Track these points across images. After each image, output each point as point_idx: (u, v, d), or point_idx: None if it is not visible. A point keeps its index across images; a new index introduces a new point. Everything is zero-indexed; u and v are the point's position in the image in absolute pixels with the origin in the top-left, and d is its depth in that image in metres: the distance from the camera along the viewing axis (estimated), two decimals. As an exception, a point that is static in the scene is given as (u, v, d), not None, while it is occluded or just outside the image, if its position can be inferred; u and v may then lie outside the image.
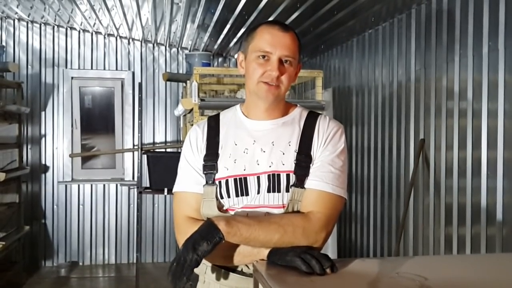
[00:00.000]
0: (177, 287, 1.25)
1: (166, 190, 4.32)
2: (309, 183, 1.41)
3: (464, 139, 2.83)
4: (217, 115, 1.60)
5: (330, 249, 3.95)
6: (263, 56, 1.44)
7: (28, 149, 5.46)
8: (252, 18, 3.93)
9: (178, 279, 1.24)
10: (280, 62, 1.43)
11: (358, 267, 1.27)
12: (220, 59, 5.99)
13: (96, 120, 5.83)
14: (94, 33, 5.61)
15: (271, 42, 1.43)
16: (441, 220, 3.06)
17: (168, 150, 5.57)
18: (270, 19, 3.80)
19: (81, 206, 5.63)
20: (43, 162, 5.53)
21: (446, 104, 3.02)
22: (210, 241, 1.26)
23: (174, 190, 1.53)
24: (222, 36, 4.87)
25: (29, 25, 5.46)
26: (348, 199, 4.33)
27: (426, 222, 3.24)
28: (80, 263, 5.64)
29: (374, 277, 1.17)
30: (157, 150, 5.51)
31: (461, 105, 2.88)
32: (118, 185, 5.67)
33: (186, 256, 1.25)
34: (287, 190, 1.42)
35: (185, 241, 1.29)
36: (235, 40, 4.94)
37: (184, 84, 5.02)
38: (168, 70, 5.76)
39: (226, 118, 1.57)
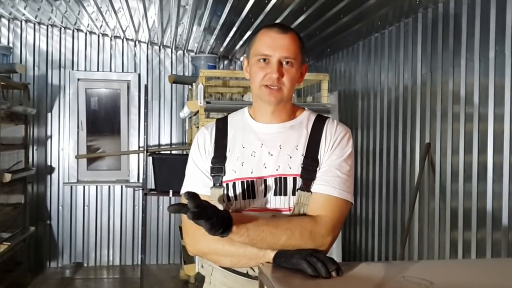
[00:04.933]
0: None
1: (171, 192, 4.33)
2: (316, 187, 1.42)
3: (470, 143, 2.83)
4: (225, 118, 1.60)
5: (335, 253, 3.95)
6: (264, 60, 1.45)
7: (34, 150, 5.48)
8: (258, 21, 3.93)
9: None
10: (280, 64, 1.44)
11: (363, 270, 1.27)
12: (226, 62, 6.00)
13: (102, 121, 5.85)
14: (100, 35, 5.64)
15: (269, 45, 1.44)
16: (447, 225, 3.05)
17: (174, 152, 5.58)
18: (276, 22, 3.80)
19: (86, 207, 5.65)
20: (49, 163, 5.55)
21: (452, 108, 3.01)
22: (212, 228, 1.20)
23: (181, 192, 1.53)
24: (228, 39, 4.88)
25: (36, 26, 5.49)
26: (354, 203, 4.31)
27: (431, 226, 3.23)
28: (85, 264, 5.66)
29: (380, 280, 1.17)
30: (162, 152, 5.52)
31: (467, 109, 2.87)
32: (123, 186, 5.68)
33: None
34: (293, 194, 1.43)
35: (199, 200, 1.20)
36: (241, 43, 4.95)
37: (190, 87, 5.04)
38: (174, 72, 5.78)
39: (234, 120, 1.57)
